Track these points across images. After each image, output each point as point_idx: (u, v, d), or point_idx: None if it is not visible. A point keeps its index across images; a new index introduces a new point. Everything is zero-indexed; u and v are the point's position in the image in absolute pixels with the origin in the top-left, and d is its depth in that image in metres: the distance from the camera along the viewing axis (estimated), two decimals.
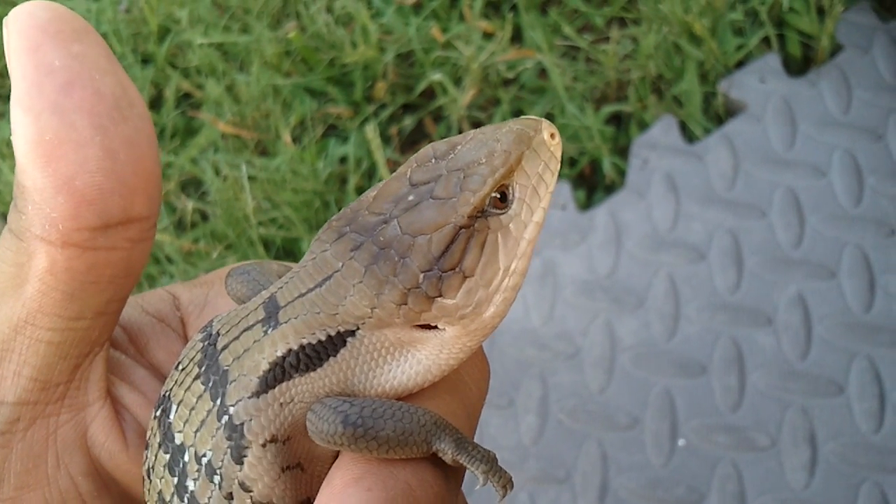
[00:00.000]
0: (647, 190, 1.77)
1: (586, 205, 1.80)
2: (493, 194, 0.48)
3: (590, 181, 1.86)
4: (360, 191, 1.90)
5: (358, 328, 0.48)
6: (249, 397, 0.47)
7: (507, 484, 0.47)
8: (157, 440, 0.49)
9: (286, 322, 0.48)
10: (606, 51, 1.95)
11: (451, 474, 0.48)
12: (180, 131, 2.03)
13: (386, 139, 1.96)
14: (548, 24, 2.03)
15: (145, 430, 0.54)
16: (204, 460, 0.47)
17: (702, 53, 1.92)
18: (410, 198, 0.48)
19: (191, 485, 0.48)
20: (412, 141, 1.99)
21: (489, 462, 0.47)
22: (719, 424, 1.55)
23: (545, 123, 0.50)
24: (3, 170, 2.01)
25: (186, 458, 0.48)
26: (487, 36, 2.03)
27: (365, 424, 0.45)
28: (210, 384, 0.47)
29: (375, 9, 2.11)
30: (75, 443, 0.52)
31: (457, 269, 0.47)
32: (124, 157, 0.46)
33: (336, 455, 0.49)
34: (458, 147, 0.49)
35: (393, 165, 1.92)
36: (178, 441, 0.48)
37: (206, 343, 0.49)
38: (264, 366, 0.47)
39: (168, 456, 0.48)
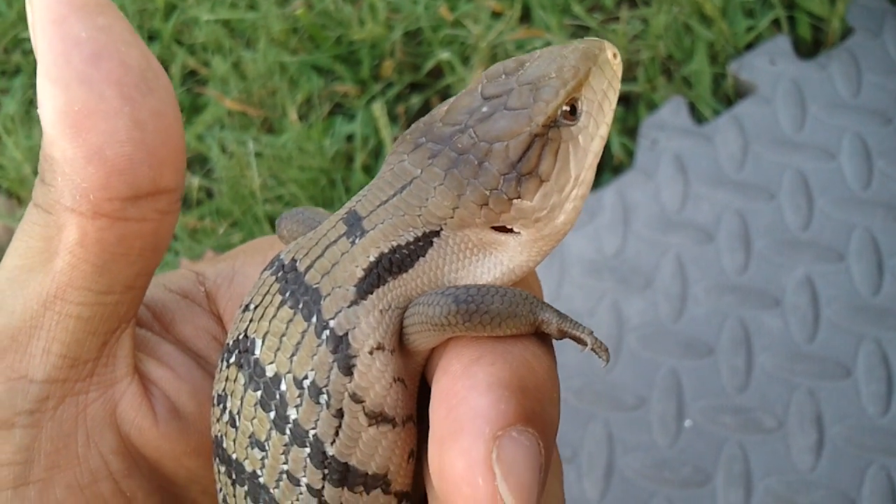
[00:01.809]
0: (656, 170, 1.76)
1: (595, 185, 1.79)
2: (564, 107, 0.50)
3: (599, 161, 1.85)
4: (366, 169, 1.89)
5: (441, 229, 0.50)
6: (349, 306, 0.47)
7: (607, 350, 0.49)
8: (242, 382, 0.48)
9: (373, 228, 0.49)
10: (616, 31, 1.94)
11: (552, 351, 0.49)
12: (186, 108, 2.02)
13: (393, 118, 1.95)
14: (557, 4, 2.02)
15: (175, 404, 0.54)
16: (306, 382, 0.47)
17: (712, 34, 1.91)
18: (484, 109, 0.50)
19: (293, 413, 0.47)
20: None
21: (589, 331, 0.49)
22: (726, 405, 1.55)
23: (608, 44, 0.52)
24: (7, 145, 2.01)
25: (283, 387, 0.47)
26: (496, 15, 2.02)
27: (476, 300, 0.47)
28: (300, 306, 0.47)
29: None
30: (105, 420, 0.52)
31: (533, 173, 0.49)
32: (153, 128, 0.46)
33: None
34: (527, 63, 0.51)
35: None
36: (270, 373, 0.47)
37: (280, 273, 0.49)
38: (359, 273, 0.48)
39: (259, 393, 0.47)
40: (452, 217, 0.49)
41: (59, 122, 0.45)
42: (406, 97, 1.99)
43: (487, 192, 0.49)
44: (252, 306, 0.49)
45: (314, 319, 0.47)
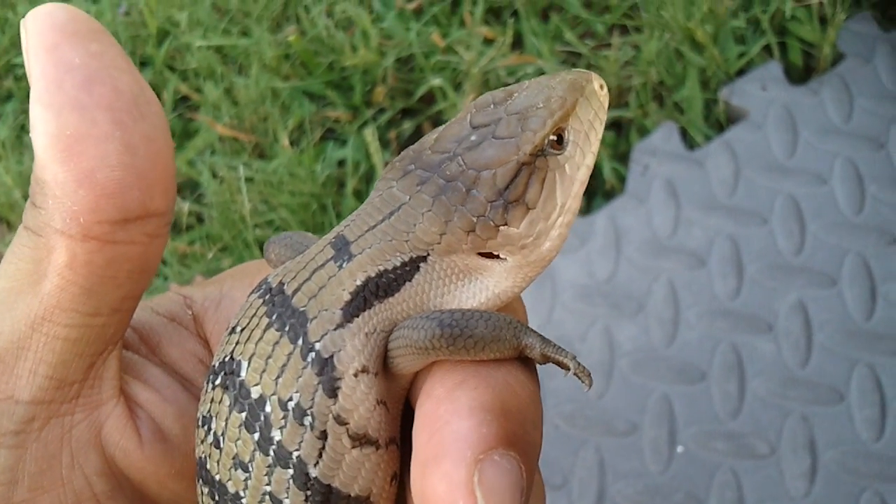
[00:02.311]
0: (648, 196, 1.76)
1: (586, 210, 1.79)
2: (551, 136, 0.51)
3: (590, 186, 1.84)
4: (357, 194, 1.89)
5: (428, 254, 0.50)
6: (335, 329, 0.48)
7: (589, 374, 0.49)
8: (227, 404, 0.48)
9: (360, 253, 0.49)
10: (608, 57, 1.94)
11: (535, 376, 0.50)
12: (177, 134, 2.02)
13: (384, 143, 1.95)
14: (549, 31, 2.02)
15: (160, 426, 0.54)
16: (290, 404, 0.47)
17: (703, 60, 1.91)
18: (473, 138, 0.51)
19: (276, 434, 0.47)
20: (411, 145, 1.97)
21: (572, 355, 0.49)
22: (718, 431, 1.53)
23: (595, 75, 0.53)
24: None
25: (268, 408, 0.47)
26: (488, 42, 2.03)
27: (460, 325, 0.47)
28: (287, 328, 0.48)
29: (376, 13, 2.10)
30: (90, 442, 0.52)
31: (520, 201, 0.50)
32: (143, 153, 0.47)
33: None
34: (516, 94, 0.52)
35: None
36: (255, 395, 0.47)
37: (268, 296, 0.50)
38: (346, 296, 0.48)
39: (244, 414, 0.48)
40: (440, 243, 0.50)
41: (51, 146, 0.45)
42: (398, 123, 2.00)
43: (475, 219, 0.49)
44: (239, 328, 0.50)
45: (300, 342, 0.47)
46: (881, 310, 1.62)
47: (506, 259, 0.51)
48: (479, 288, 0.52)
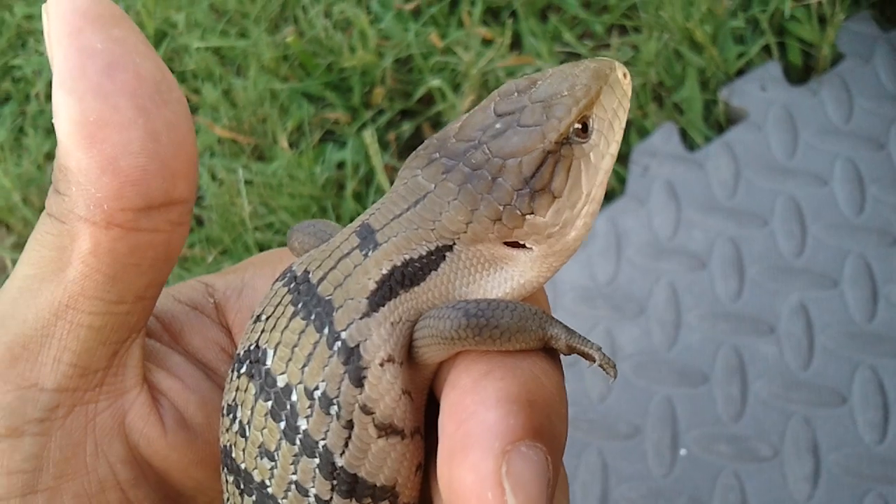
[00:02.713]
0: (648, 197, 1.75)
1: None
2: (576, 125, 0.51)
3: None
4: (357, 196, 1.88)
5: (454, 243, 0.50)
6: (360, 318, 0.47)
7: (614, 365, 0.49)
8: (253, 392, 0.48)
9: (386, 241, 0.49)
10: (607, 58, 1.93)
11: (560, 367, 0.50)
12: None
13: (384, 145, 1.94)
14: (547, 31, 2.02)
15: (183, 415, 0.54)
16: (317, 393, 0.47)
17: (703, 61, 1.91)
18: (497, 126, 0.51)
19: (303, 424, 0.47)
20: (410, 147, 1.97)
21: (597, 346, 0.49)
22: (721, 434, 1.53)
23: (618, 63, 0.53)
24: None
25: (294, 397, 0.47)
26: (486, 42, 2.02)
27: (486, 315, 0.47)
28: (312, 317, 0.48)
29: (374, 14, 2.09)
30: (114, 430, 0.52)
31: (546, 190, 0.50)
32: (166, 140, 0.47)
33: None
34: (539, 82, 0.52)
35: (391, 171, 1.90)
36: (281, 383, 0.47)
37: (293, 284, 0.50)
38: (372, 285, 0.48)
39: (270, 403, 0.48)
40: (466, 232, 0.50)
41: (74, 132, 0.45)
42: (397, 124, 1.99)
43: (501, 208, 0.49)
44: (264, 317, 0.50)
45: (326, 331, 0.47)
46: (883, 311, 1.62)
47: (531, 248, 0.51)
48: (504, 277, 0.52)
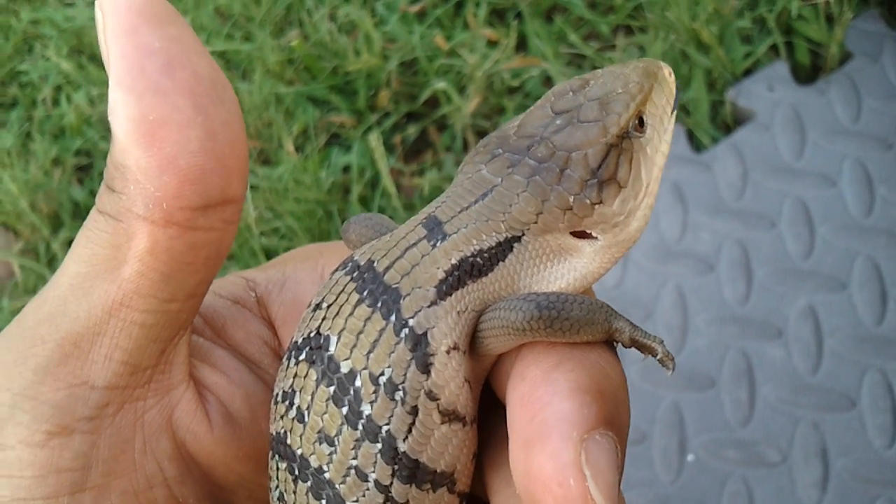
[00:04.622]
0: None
1: None
2: (634, 119, 0.53)
3: None
4: (362, 200, 1.88)
5: (524, 234, 0.52)
6: (428, 306, 0.49)
7: (673, 359, 0.51)
8: (314, 378, 0.49)
9: (455, 233, 0.51)
10: (613, 59, 1.93)
11: (619, 358, 0.51)
12: None
13: (389, 148, 1.94)
14: (553, 32, 2.01)
15: (229, 409, 0.55)
16: (382, 379, 0.48)
17: (709, 61, 1.89)
18: (558, 122, 0.52)
19: (366, 409, 0.48)
20: (416, 150, 1.97)
21: (660, 340, 0.51)
22: (729, 439, 1.52)
23: (663, 63, 0.56)
24: (3, 178, 2.00)
25: (358, 382, 0.48)
26: (492, 44, 2.01)
27: (556, 307, 0.48)
28: (379, 304, 0.49)
29: (379, 17, 2.09)
30: (161, 427, 0.52)
31: (613, 180, 0.52)
32: (223, 139, 0.47)
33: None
34: (592, 82, 0.54)
35: (396, 175, 1.90)
36: (345, 369, 0.48)
37: (356, 272, 0.51)
38: (440, 275, 0.50)
39: (332, 388, 0.49)
40: (536, 222, 0.51)
41: (133, 130, 0.45)
42: (402, 127, 1.98)
43: (571, 198, 0.51)
44: (325, 305, 0.51)
45: (393, 318, 0.48)
46: (892, 314, 1.60)
47: (597, 238, 0.53)
48: (568, 269, 0.53)
